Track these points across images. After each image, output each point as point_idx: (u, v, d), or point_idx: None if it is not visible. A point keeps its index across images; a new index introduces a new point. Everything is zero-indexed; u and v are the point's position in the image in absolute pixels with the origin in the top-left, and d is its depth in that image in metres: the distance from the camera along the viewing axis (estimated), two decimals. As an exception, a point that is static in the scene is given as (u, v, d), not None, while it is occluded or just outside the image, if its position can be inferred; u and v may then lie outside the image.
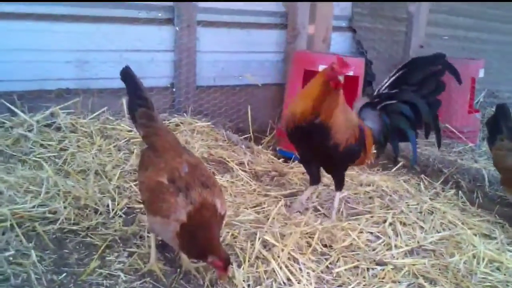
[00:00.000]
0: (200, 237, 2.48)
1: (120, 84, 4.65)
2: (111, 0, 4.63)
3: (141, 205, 3.36)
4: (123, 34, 4.79)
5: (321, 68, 4.59)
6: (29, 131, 3.95)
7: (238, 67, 5.52)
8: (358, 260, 3.04)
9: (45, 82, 4.43)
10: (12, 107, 4.10)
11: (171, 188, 2.56)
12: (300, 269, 2.89)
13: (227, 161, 4.23)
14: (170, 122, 4.67)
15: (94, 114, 4.37)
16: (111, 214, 3.26)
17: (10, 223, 2.86)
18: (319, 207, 3.65)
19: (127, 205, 3.39)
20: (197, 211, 2.49)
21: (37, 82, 4.39)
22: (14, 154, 3.72)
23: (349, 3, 6.18)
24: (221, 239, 3.06)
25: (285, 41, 5.73)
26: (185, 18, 4.94)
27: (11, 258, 2.64)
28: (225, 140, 4.71)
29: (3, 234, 2.80)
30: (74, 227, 3.04)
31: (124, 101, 4.56)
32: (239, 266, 2.85)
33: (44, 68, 4.42)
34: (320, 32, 5.32)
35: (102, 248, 2.89)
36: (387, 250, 3.21)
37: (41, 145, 3.89)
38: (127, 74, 2.98)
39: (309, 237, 3.16)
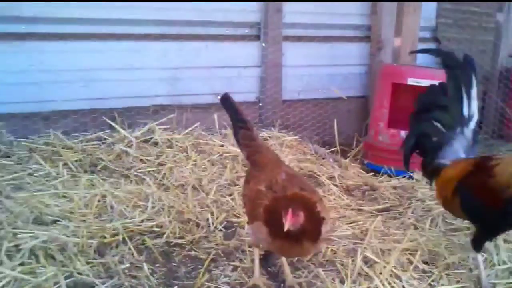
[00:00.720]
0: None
1: (210, 99, 4.93)
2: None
3: (240, 219, 3.45)
4: (212, 51, 4.94)
5: (410, 81, 4.58)
6: (129, 146, 4.15)
7: (322, 81, 5.56)
8: (461, 279, 2.99)
9: (141, 99, 4.64)
10: (113, 124, 4.32)
11: (268, 193, 2.63)
12: (404, 286, 2.88)
13: (318, 175, 4.26)
14: (260, 137, 4.76)
15: (188, 130, 4.53)
16: (212, 228, 3.36)
17: (122, 237, 3.01)
18: (416, 223, 3.62)
19: (226, 219, 3.48)
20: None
21: (134, 99, 4.61)
22: (117, 169, 3.92)
23: (434, 14, 6.10)
24: (321, 254, 3.12)
25: (369, 54, 5.73)
26: (271, 34, 5.04)
27: (126, 271, 2.78)
28: (313, 154, 4.75)
29: (117, 247, 2.96)
30: (179, 241, 3.15)
31: (216, 116, 4.72)
32: (341, 282, 2.87)
33: (140, 86, 4.64)
34: (406, 44, 5.28)
35: (207, 261, 2.99)
36: (490, 267, 3.14)
37: (141, 160, 4.07)
38: (226, 100, 3.09)
39: (410, 254, 3.14)
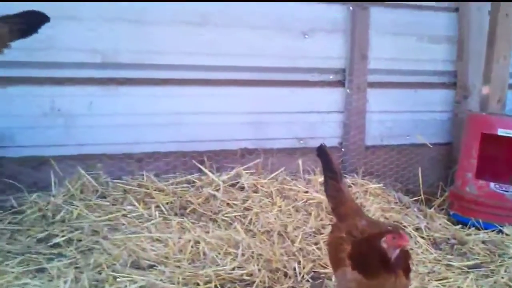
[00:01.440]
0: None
1: (294, 144, 4.99)
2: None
3: (327, 270, 3.45)
4: (296, 96, 5.01)
5: (500, 132, 4.48)
6: (217, 190, 4.24)
7: (406, 126, 5.51)
8: None
9: (228, 143, 4.75)
10: (202, 167, 4.45)
11: (349, 238, 2.64)
12: None
13: (404, 226, 4.20)
14: (342, 183, 4.76)
15: (273, 174, 4.60)
16: (299, 278, 3.37)
17: (214, 284, 3.07)
18: (510, 283, 3.49)
19: (313, 270, 3.48)
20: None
21: (221, 142, 4.72)
22: (205, 212, 4.01)
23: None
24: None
25: (453, 101, 5.64)
26: (356, 81, 5.07)
27: (220, 320, 2.84)
28: (397, 203, 4.69)
29: (210, 294, 3.03)
30: (269, 290, 3.19)
31: (300, 162, 4.77)
32: None
33: (226, 130, 4.75)
34: (495, 92, 5.17)
35: (297, 313, 3.00)
36: None
37: (228, 204, 4.15)
38: (322, 151, 3.14)
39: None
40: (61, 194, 3.91)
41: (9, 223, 3.62)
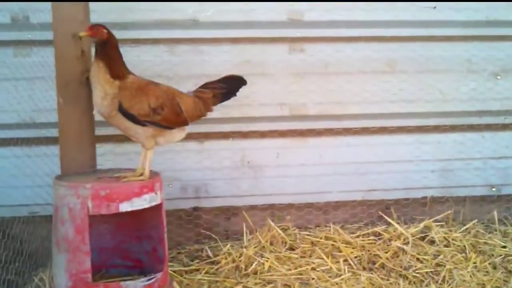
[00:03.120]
0: None
1: (486, 192, 4.67)
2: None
3: None
4: (488, 140, 4.71)
5: None
6: (405, 243, 4.10)
7: None
8: None
9: (412, 191, 4.60)
10: (388, 219, 4.35)
11: None
12: None
13: None
14: (545, 236, 4.36)
15: (465, 227, 4.34)
16: None
17: None
18: None
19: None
20: None
21: (406, 191, 4.59)
22: (394, 268, 3.89)
23: None
24: None
25: None
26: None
27: None
28: None
29: None
30: None
31: (495, 212, 4.46)
32: None
33: (411, 177, 4.61)
34: None
35: None
36: None
37: (417, 259, 3.99)
38: None
39: None
40: (253, 245, 4.05)
41: (206, 273, 3.83)
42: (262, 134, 4.36)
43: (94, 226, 3.14)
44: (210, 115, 3.68)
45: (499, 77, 4.65)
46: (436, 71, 4.56)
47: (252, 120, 4.33)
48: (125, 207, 3.11)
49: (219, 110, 4.10)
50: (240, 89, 3.45)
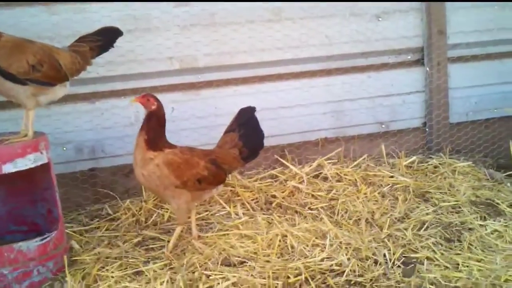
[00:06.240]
0: None
1: (374, 129, 4.93)
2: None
3: (418, 254, 3.38)
4: (374, 80, 4.94)
5: None
6: (300, 183, 4.27)
7: (492, 100, 5.27)
8: None
9: (307, 134, 4.78)
10: (283, 161, 4.50)
11: None
12: None
13: (497, 203, 4.04)
14: (428, 164, 4.66)
15: (356, 162, 4.57)
16: (390, 265, 3.33)
17: (305, 276, 3.10)
18: None
19: (403, 255, 3.43)
20: None
21: (301, 134, 4.76)
22: (290, 206, 4.05)
23: None
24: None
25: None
26: (435, 58, 4.92)
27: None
28: (488, 179, 4.52)
29: (300, 287, 3.06)
30: (359, 279, 3.16)
31: (383, 146, 4.71)
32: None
33: (305, 121, 4.78)
34: None
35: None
36: None
37: (312, 195, 4.18)
38: None
39: None
40: (152, 199, 4.09)
41: (107, 229, 3.84)
42: (154, 89, 4.33)
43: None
44: (99, 73, 3.65)
45: (380, 19, 4.86)
46: (321, 16, 4.70)
47: (143, 76, 4.31)
48: (8, 168, 3.06)
49: (105, 67, 4.08)
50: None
